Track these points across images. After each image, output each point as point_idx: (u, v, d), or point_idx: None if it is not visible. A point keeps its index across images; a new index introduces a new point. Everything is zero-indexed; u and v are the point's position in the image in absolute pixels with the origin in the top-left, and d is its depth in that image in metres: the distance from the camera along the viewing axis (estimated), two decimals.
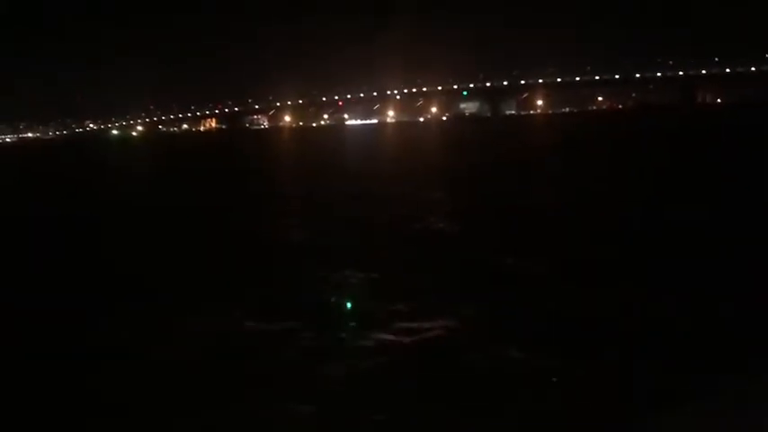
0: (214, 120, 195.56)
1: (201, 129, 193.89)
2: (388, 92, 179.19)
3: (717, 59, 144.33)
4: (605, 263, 10.06)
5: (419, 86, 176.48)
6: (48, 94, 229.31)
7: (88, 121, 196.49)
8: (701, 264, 9.62)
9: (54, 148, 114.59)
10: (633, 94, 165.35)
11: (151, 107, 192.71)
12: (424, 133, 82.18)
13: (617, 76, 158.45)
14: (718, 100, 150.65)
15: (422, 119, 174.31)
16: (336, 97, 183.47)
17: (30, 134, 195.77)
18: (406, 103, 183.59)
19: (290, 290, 9.53)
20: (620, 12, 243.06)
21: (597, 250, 10.95)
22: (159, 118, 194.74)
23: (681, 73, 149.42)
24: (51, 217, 19.25)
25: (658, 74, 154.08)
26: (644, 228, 12.82)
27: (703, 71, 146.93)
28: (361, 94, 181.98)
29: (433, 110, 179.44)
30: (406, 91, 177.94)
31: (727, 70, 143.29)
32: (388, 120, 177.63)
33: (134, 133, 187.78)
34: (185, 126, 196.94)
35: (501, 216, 15.39)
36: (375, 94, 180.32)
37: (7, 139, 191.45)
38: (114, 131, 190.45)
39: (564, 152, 35.91)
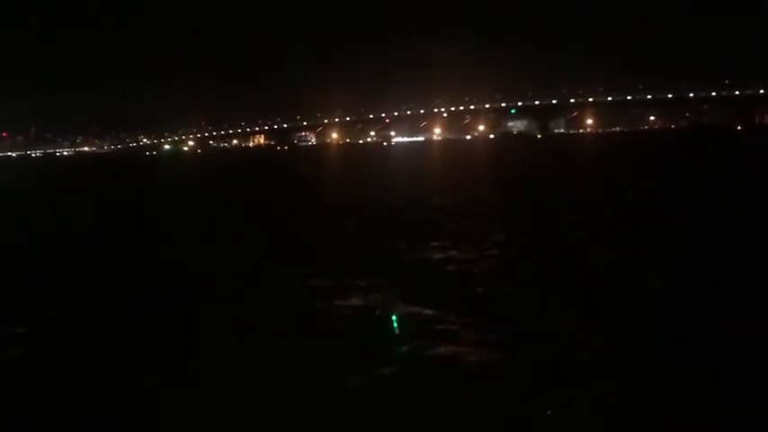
0: (263, 136, 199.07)
1: (251, 145, 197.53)
2: (435, 109, 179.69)
3: None
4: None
5: (466, 104, 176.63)
6: (103, 109, 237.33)
7: (141, 136, 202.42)
8: None
9: (108, 161, 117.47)
10: (687, 114, 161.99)
11: (202, 123, 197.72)
12: (470, 150, 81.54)
13: (670, 96, 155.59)
14: None
15: (469, 136, 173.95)
16: (383, 114, 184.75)
17: (86, 148, 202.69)
18: (453, 121, 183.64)
19: None
20: (673, 30, 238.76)
21: None
22: (210, 133, 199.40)
23: (737, 92, 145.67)
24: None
25: (713, 93, 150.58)
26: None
27: (761, 90, 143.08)
28: (408, 112, 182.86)
29: (481, 127, 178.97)
30: (453, 108, 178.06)
31: None
32: (435, 137, 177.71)
33: (185, 148, 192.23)
34: (235, 142, 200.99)
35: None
36: (422, 111, 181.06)
37: (65, 153, 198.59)
38: (166, 146, 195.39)
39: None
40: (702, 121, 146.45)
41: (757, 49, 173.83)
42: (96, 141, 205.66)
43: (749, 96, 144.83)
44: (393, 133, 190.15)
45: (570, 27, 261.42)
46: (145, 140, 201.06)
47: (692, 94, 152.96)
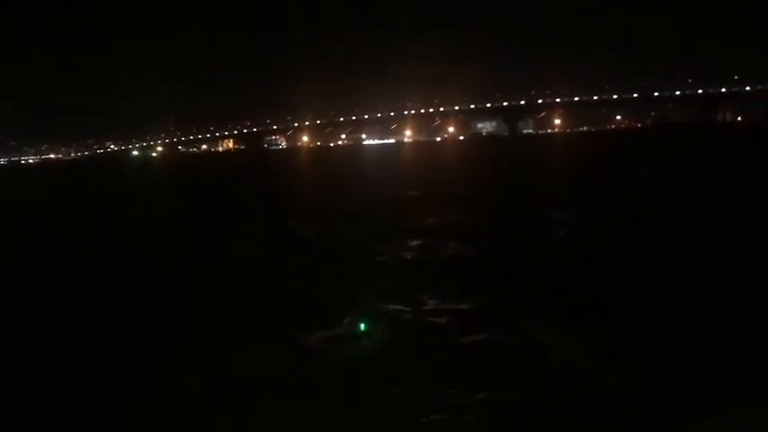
0: (232, 140, 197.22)
1: (220, 149, 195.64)
2: (405, 111, 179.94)
3: (736, 77, 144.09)
4: None
5: (436, 106, 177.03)
6: (69, 115, 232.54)
7: (109, 142, 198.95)
8: None
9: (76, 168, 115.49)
10: (652, 113, 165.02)
11: (171, 128, 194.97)
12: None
13: (635, 95, 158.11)
14: (739, 118, 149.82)
15: (439, 138, 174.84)
16: (354, 117, 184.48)
17: (52, 155, 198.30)
18: (423, 123, 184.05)
19: None
20: (638, 30, 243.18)
21: None
22: (179, 138, 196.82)
23: (700, 91, 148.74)
24: None
25: (677, 92, 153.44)
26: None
27: (723, 89, 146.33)
28: (379, 114, 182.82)
29: (450, 129, 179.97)
30: (423, 110, 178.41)
31: (748, 88, 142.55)
32: (406, 139, 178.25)
33: (154, 154, 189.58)
34: (204, 147, 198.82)
35: None
36: (392, 113, 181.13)
37: (30, 160, 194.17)
38: (135, 152, 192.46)
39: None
40: (668, 119, 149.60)
41: (718, 48, 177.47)
42: (63, 148, 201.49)
43: (711, 95, 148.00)
44: (364, 136, 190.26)
45: (537, 29, 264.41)
46: (113, 147, 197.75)
47: (656, 93, 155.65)
